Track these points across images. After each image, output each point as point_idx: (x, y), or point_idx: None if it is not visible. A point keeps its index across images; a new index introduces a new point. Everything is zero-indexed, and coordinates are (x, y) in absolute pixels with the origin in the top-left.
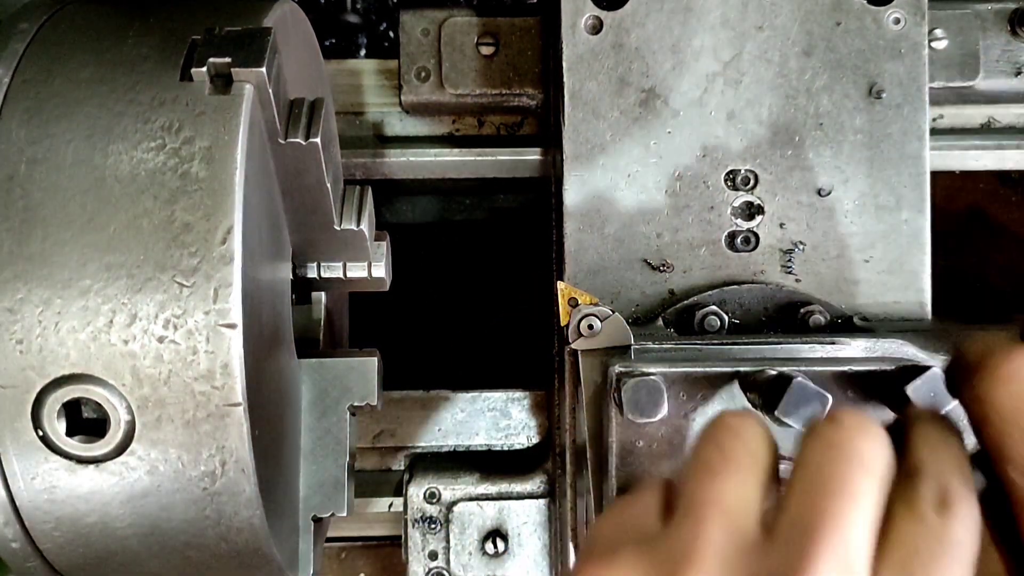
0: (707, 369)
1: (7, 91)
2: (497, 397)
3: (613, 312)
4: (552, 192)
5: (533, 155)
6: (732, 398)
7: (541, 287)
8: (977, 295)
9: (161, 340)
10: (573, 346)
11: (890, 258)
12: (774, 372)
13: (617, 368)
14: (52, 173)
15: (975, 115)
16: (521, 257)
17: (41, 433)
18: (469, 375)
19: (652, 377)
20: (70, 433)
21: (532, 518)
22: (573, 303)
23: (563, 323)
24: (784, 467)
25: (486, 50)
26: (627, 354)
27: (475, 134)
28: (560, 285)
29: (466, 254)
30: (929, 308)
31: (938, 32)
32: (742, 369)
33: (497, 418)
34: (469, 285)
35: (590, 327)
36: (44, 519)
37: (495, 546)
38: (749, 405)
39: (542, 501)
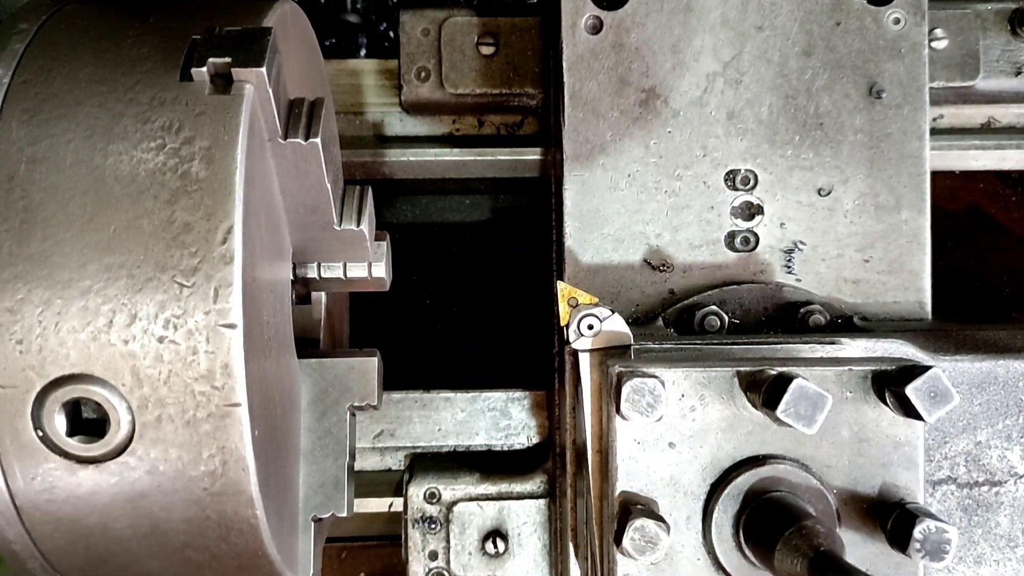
0: (707, 369)
1: (7, 91)
2: (497, 397)
3: (613, 312)
4: (552, 192)
5: (533, 155)
6: (732, 398)
7: (541, 286)
8: (977, 295)
9: (161, 340)
10: (573, 346)
11: (890, 258)
12: (774, 372)
13: (617, 368)
14: (52, 173)
15: (975, 115)
16: (521, 257)
17: (41, 433)
18: (469, 375)
19: (652, 377)
20: (70, 433)
21: (532, 518)
22: (573, 303)
23: (563, 323)
24: (784, 467)
25: (486, 50)
26: (627, 354)
27: (475, 134)
28: (560, 285)
29: (466, 254)
30: (929, 308)
31: (938, 32)
32: (742, 369)
33: (497, 418)
34: (469, 285)
35: (590, 327)
36: (44, 519)
37: (495, 546)
38: (749, 405)
39: (542, 501)
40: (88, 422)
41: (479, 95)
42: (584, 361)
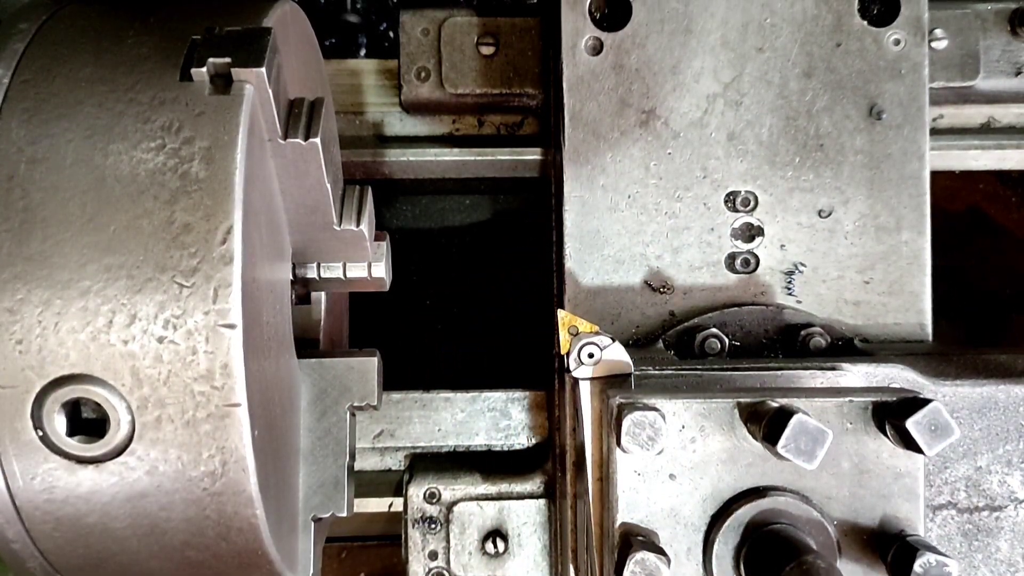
0: (708, 401)
1: (7, 91)
2: (497, 397)
3: (613, 340)
4: (552, 193)
5: (533, 155)
6: (732, 429)
7: (541, 286)
8: (977, 296)
9: (161, 340)
10: (574, 374)
11: (890, 279)
12: (775, 405)
13: (618, 399)
14: (52, 173)
15: (975, 115)
16: (521, 257)
17: (41, 433)
18: (469, 375)
19: (652, 410)
20: (70, 433)
21: (532, 518)
22: (574, 331)
23: (563, 351)
24: (785, 499)
25: (486, 50)
26: (627, 383)
27: (475, 134)
28: (561, 314)
29: (466, 254)
30: (930, 329)
31: (938, 32)
32: (742, 400)
33: (497, 418)
34: (469, 285)
35: (590, 355)
36: (44, 519)
37: (495, 546)
38: (749, 436)
39: (542, 501)
40: (88, 422)
41: (479, 95)
42: (584, 389)
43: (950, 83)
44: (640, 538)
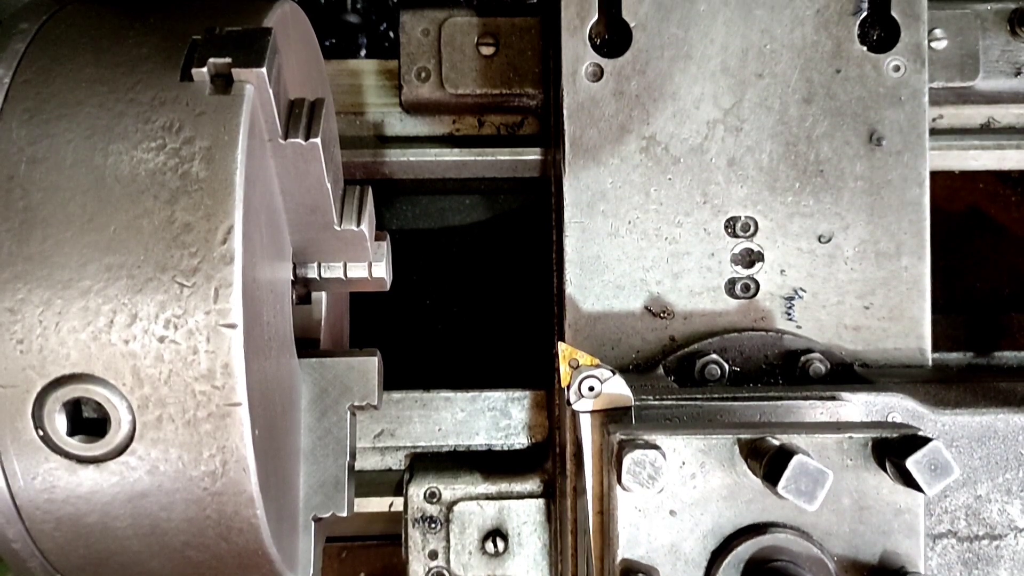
0: (708, 437)
1: (7, 91)
2: (497, 397)
3: (614, 373)
4: (552, 192)
5: (533, 155)
6: (733, 465)
7: (541, 286)
8: (977, 295)
9: (162, 340)
10: (574, 407)
11: (890, 305)
12: (776, 443)
13: (618, 436)
14: (52, 173)
15: (975, 115)
16: (521, 257)
17: (42, 433)
18: (469, 375)
19: (653, 448)
20: (71, 433)
21: (532, 518)
22: (574, 364)
23: (564, 384)
24: (785, 536)
25: (486, 50)
26: (628, 415)
27: (475, 134)
28: (561, 346)
29: (466, 254)
30: (929, 354)
31: (938, 32)
32: (743, 436)
33: (497, 418)
34: (469, 285)
35: (591, 388)
36: (44, 519)
37: (495, 545)
38: (749, 472)
39: (542, 501)
40: (89, 422)
41: (479, 95)
42: (585, 422)
43: (950, 83)
44: (641, 575)
